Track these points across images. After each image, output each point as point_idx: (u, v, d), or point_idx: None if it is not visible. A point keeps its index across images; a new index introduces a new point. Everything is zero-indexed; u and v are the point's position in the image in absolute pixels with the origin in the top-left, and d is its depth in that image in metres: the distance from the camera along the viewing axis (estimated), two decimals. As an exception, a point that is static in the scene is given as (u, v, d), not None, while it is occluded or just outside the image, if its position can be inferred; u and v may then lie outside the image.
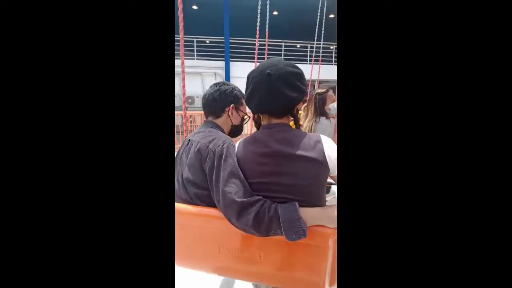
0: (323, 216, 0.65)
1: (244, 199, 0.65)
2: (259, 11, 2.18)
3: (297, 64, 0.75)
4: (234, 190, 0.67)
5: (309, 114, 1.77)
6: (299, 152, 0.68)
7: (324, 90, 1.78)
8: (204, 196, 0.76)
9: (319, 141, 0.70)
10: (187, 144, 0.85)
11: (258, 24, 2.22)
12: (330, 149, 0.69)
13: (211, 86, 0.97)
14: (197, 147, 0.78)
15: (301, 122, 1.80)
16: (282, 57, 8.48)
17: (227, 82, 0.98)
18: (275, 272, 0.73)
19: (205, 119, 0.97)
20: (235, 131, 1.00)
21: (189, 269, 0.84)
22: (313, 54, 4.44)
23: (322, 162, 0.68)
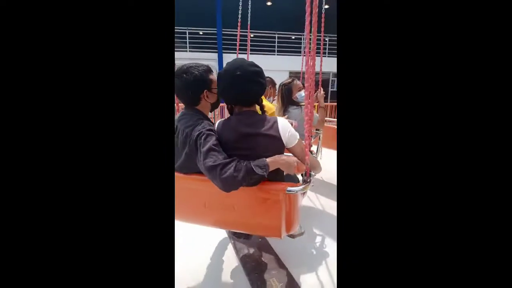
0: (280, 161, 0.87)
1: (221, 162, 0.81)
2: (241, 2, 2.11)
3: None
4: (213, 159, 0.82)
5: (280, 106, 1.82)
6: (260, 132, 0.92)
7: (289, 80, 1.81)
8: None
9: (275, 122, 0.94)
10: (177, 131, 0.97)
11: (239, 15, 2.15)
12: (283, 127, 0.94)
13: (176, 79, 0.96)
14: (184, 136, 0.91)
15: (276, 112, 1.91)
16: (276, 48, 8.44)
17: (187, 69, 0.96)
18: (246, 219, 0.98)
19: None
20: (215, 105, 1.08)
21: (185, 222, 1.10)
22: (308, 45, 4.38)
23: (277, 138, 0.93)
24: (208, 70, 1.01)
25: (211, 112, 1.10)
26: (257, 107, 1.03)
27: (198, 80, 0.96)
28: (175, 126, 0.99)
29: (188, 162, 0.93)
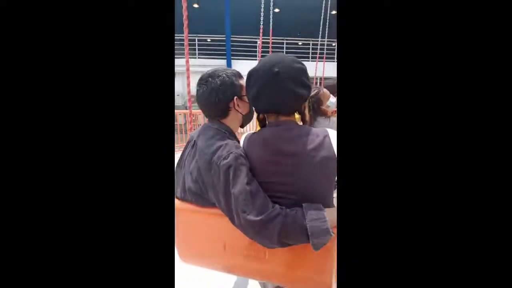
0: None
1: (263, 217, 0.59)
2: (262, 9, 2.12)
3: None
4: (248, 209, 0.60)
5: (307, 119, 1.64)
6: (308, 151, 0.65)
7: (315, 91, 1.63)
8: (205, 205, 0.73)
9: (326, 136, 0.67)
10: (192, 146, 0.78)
11: (261, 22, 2.16)
12: (336, 142, 0.66)
13: (200, 86, 0.79)
14: (201, 156, 0.70)
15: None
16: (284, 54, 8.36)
17: (213, 73, 0.78)
18: (281, 270, 0.71)
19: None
20: (248, 118, 0.85)
21: (197, 267, 0.84)
22: (317, 51, 4.35)
23: (331, 158, 0.65)
24: (238, 74, 0.80)
25: (242, 127, 0.86)
26: (297, 116, 0.77)
27: (226, 84, 0.76)
28: (192, 139, 0.79)
29: (205, 192, 0.71)
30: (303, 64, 0.71)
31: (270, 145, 0.68)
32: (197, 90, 0.80)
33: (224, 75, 0.77)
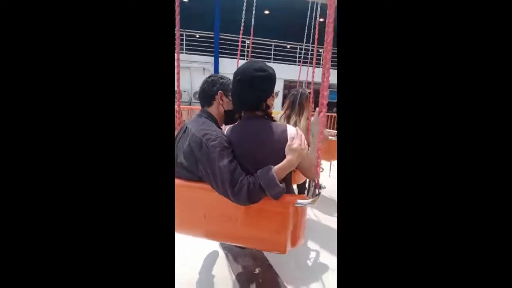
0: (288, 164, 0.83)
1: (236, 187, 0.81)
2: (244, 8, 2.18)
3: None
4: (228, 180, 0.81)
5: (304, 113, 1.81)
6: (267, 139, 0.87)
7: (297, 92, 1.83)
8: (193, 179, 0.92)
9: (284, 130, 0.89)
10: (185, 131, 0.96)
11: (242, 21, 2.20)
12: (291, 136, 0.87)
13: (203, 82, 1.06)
14: (192, 139, 0.89)
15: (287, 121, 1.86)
16: (272, 56, 8.55)
17: (217, 74, 1.06)
18: (248, 234, 0.91)
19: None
20: (230, 116, 1.05)
21: (183, 235, 1.00)
22: (302, 55, 4.46)
23: (283, 148, 0.86)
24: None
25: (226, 124, 1.06)
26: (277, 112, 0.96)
27: (216, 81, 1.03)
28: (185, 125, 0.98)
29: (193, 168, 0.90)
30: (265, 71, 0.89)
31: (241, 134, 0.90)
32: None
33: (219, 77, 1.05)
